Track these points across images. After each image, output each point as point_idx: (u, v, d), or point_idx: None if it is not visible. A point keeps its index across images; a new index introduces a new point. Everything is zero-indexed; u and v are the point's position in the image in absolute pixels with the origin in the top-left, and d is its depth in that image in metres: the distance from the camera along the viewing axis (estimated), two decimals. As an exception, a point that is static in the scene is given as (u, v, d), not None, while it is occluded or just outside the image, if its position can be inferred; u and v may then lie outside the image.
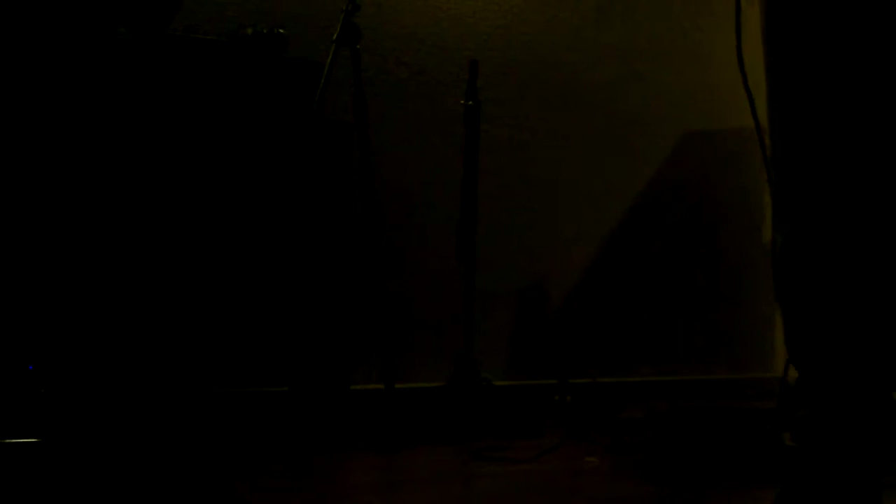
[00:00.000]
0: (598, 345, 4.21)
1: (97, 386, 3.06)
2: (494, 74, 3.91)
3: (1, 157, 3.02)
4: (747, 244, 4.51)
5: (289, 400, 3.28)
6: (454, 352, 3.60)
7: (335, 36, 3.23)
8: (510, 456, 3.10)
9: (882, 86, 2.10)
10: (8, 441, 2.84)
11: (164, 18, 3.23)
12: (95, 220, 3.07)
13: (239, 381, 3.22)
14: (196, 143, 3.20)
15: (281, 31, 3.35)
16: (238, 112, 3.26)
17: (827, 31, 2.17)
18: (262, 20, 3.41)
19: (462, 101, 3.54)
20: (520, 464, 3.01)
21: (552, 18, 4.20)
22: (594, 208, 4.25)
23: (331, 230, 3.37)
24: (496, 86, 3.89)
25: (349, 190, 3.41)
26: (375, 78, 3.66)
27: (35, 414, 2.98)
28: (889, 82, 2.09)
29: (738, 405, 3.53)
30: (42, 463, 2.80)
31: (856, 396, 2.01)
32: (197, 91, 3.22)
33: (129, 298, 3.10)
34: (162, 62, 3.18)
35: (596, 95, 4.28)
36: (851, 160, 2.16)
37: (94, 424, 3.02)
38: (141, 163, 3.14)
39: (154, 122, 3.15)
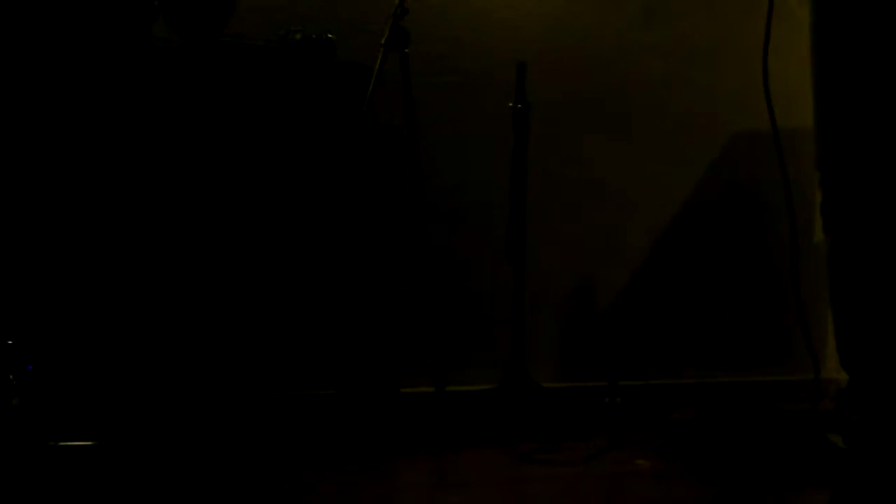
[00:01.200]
0: (649, 347, 4.18)
1: (150, 389, 3.09)
2: (542, 77, 3.89)
3: (52, 159, 3.06)
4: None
5: (338, 403, 3.30)
6: (504, 354, 3.60)
7: (384, 40, 3.24)
8: (560, 458, 3.10)
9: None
10: (64, 444, 2.88)
11: (216, 25, 3.26)
12: (148, 224, 3.10)
13: (288, 384, 3.24)
14: (247, 148, 3.22)
15: (329, 35, 3.36)
16: (288, 117, 3.28)
17: (875, 35, 2.16)
18: (310, 25, 3.43)
19: (510, 104, 3.55)
20: (570, 466, 3.01)
21: (598, 21, 4.19)
22: (642, 210, 4.23)
23: (381, 233, 3.38)
24: (544, 88, 3.88)
25: (399, 193, 3.42)
26: (423, 81, 3.66)
27: (91, 417, 3.02)
28: None
29: (788, 407, 3.50)
30: (97, 465, 2.83)
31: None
32: (247, 96, 3.24)
33: (180, 303, 3.13)
34: (212, 68, 3.21)
35: (643, 97, 4.26)
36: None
37: (147, 428, 3.05)
38: (193, 167, 3.16)
39: (205, 128, 3.18)
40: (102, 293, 3.07)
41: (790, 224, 2.83)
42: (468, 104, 3.94)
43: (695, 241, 4.30)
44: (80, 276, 3.05)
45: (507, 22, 4.02)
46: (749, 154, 4.36)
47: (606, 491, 2.84)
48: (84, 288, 3.05)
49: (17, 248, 3.02)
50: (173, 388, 3.10)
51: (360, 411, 3.30)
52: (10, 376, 2.91)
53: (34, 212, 3.04)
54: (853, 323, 2.21)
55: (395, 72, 3.28)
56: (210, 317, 3.15)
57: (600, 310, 4.17)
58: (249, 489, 2.64)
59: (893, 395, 2.01)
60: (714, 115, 4.33)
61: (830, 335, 3.60)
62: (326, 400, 3.27)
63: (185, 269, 3.13)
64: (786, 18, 3.05)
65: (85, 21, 3.08)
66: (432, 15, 3.88)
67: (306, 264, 3.26)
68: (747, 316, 4.36)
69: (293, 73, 3.30)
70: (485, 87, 3.94)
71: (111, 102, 3.09)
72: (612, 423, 3.57)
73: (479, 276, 3.92)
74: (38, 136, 3.03)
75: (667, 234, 4.26)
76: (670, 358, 4.23)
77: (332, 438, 3.19)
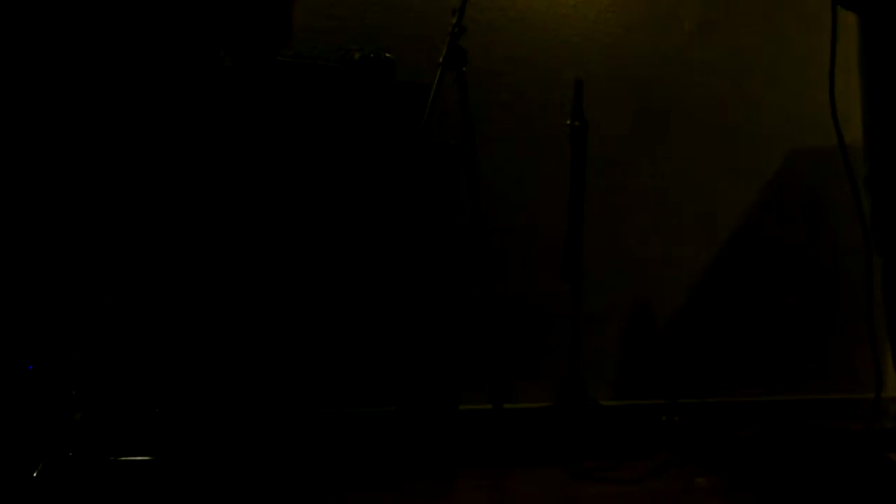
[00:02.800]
0: (706, 364, 4.17)
1: (209, 405, 3.12)
2: (599, 94, 3.90)
3: (115, 183, 3.10)
4: (854, 265, 4.43)
5: (397, 420, 3.31)
6: (561, 371, 3.60)
7: (441, 59, 3.26)
8: (618, 476, 3.09)
9: None
10: (123, 459, 2.91)
11: (274, 46, 3.29)
12: (213, 243, 3.14)
13: (348, 400, 3.25)
14: (308, 167, 3.25)
15: (388, 55, 3.39)
16: (348, 135, 3.30)
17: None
18: (369, 44, 3.46)
19: (567, 122, 3.55)
20: (628, 484, 3.00)
21: (656, 37, 4.19)
22: (701, 227, 4.21)
23: (438, 251, 3.39)
24: (601, 106, 3.89)
25: (456, 211, 3.43)
26: (481, 99, 3.68)
27: (149, 432, 3.05)
28: None
29: (847, 426, 3.47)
30: (155, 480, 2.86)
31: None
32: (307, 116, 3.27)
33: (242, 319, 3.16)
34: (274, 88, 3.24)
35: (700, 114, 4.25)
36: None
37: (205, 443, 3.07)
38: (255, 186, 3.19)
39: (266, 148, 3.21)
40: (161, 310, 3.10)
41: (864, 243, 2.79)
42: (525, 122, 3.96)
43: (753, 258, 4.28)
44: (141, 292, 3.09)
45: (565, 40, 4.03)
46: (808, 171, 4.34)
47: (665, 508, 2.83)
48: (144, 305, 3.09)
49: (84, 265, 3.06)
50: (232, 405, 3.13)
51: (418, 428, 3.31)
52: (73, 391, 2.95)
53: (103, 230, 3.08)
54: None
55: (452, 90, 3.30)
56: (270, 334, 3.17)
57: (658, 327, 4.16)
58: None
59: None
60: (773, 131, 4.31)
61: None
62: (385, 417, 3.28)
63: (246, 285, 3.16)
64: (843, 35, 3.03)
65: (164, 48, 3.13)
66: (489, 34, 3.90)
67: (366, 281, 3.28)
68: (805, 333, 4.32)
69: (352, 92, 3.33)
70: (542, 105, 3.95)
71: (183, 122, 3.13)
72: (670, 441, 3.56)
73: (536, 293, 3.92)
74: (113, 154, 3.08)
75: (725, 250, 4.24)
76: (728, 376, 4.20)
77: (390, 456, 3.20)
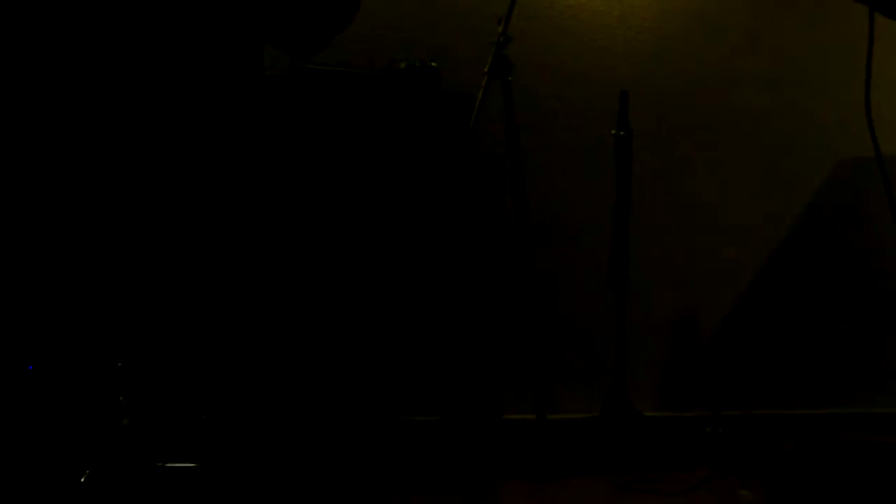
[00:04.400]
0: (752, 377, 4.14)
1: (254, 412, 3.13)
2: (644, 104, 3.89)
3: (160, 190, 3.13)
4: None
5: (441, 429, 3.31)
6: (605, 381, 3.58)
7: (487, 68, 3.26)
8: (662, 488, 3.07)
9: None
10: (169, 465, 2.92)
11: (312, 51, 3.30)
12: (260, 251, 3.15)
13: (392, 409, 3.26)
14: (355, 176, 3.25)
15: (433, 64, 3.39)
16: (393, 145, 3.31)
17: None
18: (414, 53, 3.47)
19: (613, 132, 3.54)
20: (672, 496, 2.98)
21: (701, 48, 4.18)
22: (745, 237, 4.19)
23: (483, 260, 3.39)
24: (646, 115, 3.88)
25: (501, 220, 3.43)
26: (526, 109, 3.67)
27: (195, 439, 3.06)
28: None
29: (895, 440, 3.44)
30: (200, 487, 2.88)
31: None
32: (353, 124, 3.28)
33: (288, 328, 3.17)
34: (319, 95, 3.25)
35: (746, 124, 4.23)
36: None
37: (250, 450, 3.08)
38: (302, 195, 3.21)
39: (311, 155, 3.22)
40: (208, 318, 3.12)
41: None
42: (570, 131, 3.95)
43: (800, 269, 4.25)
44: (189, 300, 3.11)
45: (610, 50, 4.03)
46: (856, 181, 4.30)
47: (711, 521, 2.81)
48: (192, 313, 3.11)
49: (134, 272, 3.08)
50: (277, 412, 3.14)
51: (462, 437, 3.31)
52: (120, 398, 2.97)
53: (151, 237, 3.10)
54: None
55: (498, 100, 3.30)
56: (317, 342, 3.18)
57: (702, 337, 4.14)
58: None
59: None
60: (820, 142, 4.29)
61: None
62: (429, 426, 3.28)
63: (294, 294, 3.17)
64: (891, 46, 3.01)
65: (211, 54, 3.15)
66: (535, 44, 3.90)
67: (411, 290, 3.28)
68: (852, 345, 4.29)
69: (397, 101, 3.33)
70: (586, 114, 3.95)
71: (231, 129, 3.15)
72: (714, 454, 3.54)
73: (580, 302, 3.91)
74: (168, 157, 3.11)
75: (772, 261, 4.21)
76: (773, 388, 4.17)
77: (433, 464, 3.20)
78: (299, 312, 3.17)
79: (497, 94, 3.29)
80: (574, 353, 3.91)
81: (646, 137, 3.76)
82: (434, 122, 3.35)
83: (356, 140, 3.27)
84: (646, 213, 3.94)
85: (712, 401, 3.98)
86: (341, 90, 3.28)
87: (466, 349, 3.35)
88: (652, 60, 4.10)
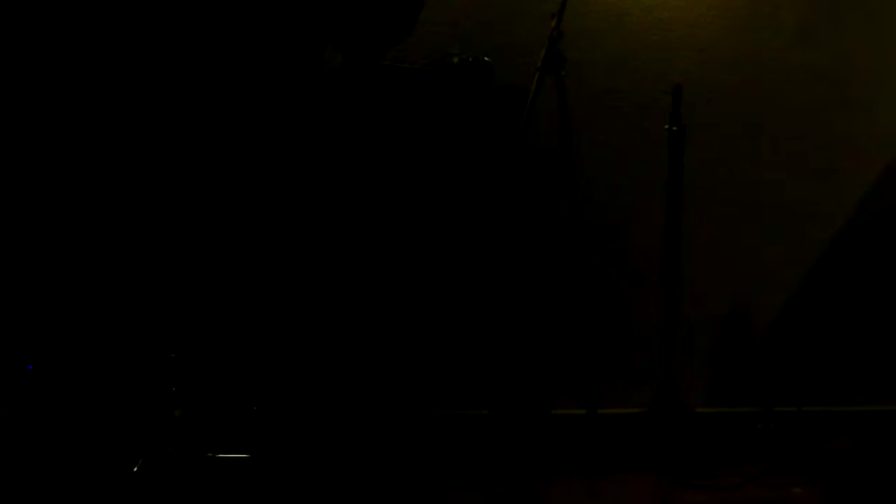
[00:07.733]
0: (804, 373, 4.11)
1: (306, 404, 3.15)
2: (697, 99, 3.87)
3: (218, 183, 3.16)
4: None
5: (490, 423, 3.32)
6: (655, 376, 3.58)
7: (539, 63, 3.26)
8: (713, 483, 3.07)
9: None
10: (221, 455, 2.96)
11: (383, 47, 3.32)
12: (315, 244, 3.17)
13: (443, 402, 3.27)
14: (407, 170, 3.27)
15: (486, 59, 3.39)
16: (447, 138, 3.31)
17: None
18: (467, 48, 3.47)
19: (665, 127, 3.53)
20: (724, 491, 2.98)
21: (754, 41, 4.14)
22: (798, 234, 4.16)
23: (535, 255, 3.39)
24: (699, 110, 3.86)
25: (553, 215, 3.43)
26: (579, 104, 3.66)
27: (247, 430, 3.09)
28: None
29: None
30: (252, 478, 2.90)
31: None
32: (408, 118, 3.29)
33: (341, 322, 3.19)
34: (375, 91, 3.27)
35: (800, 119, 4.19)
36: None
37: (301, 442, 3.11)
38: (356, 188, 3.22)
39: (366, 149, 3.24)
40: (262, 311, 3.15)
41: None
42: (622, 126, 3.94)
43: (852, 266, 4.21)
44: (243, 293, 3.14)
45: (662, 45, 4.01)
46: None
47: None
48: (245, 305, 3.14)
49: (187, 265, 3.12)
50: (328, 404, 3.16)
51: (511, 432, 3.32)
52: (173, 388, 3.00)
53: (207, 229, 3.14)
54: None
55: (550, 94, 3.30)
56: (371, 335, 3.20)
57: (753, 333, 4.12)
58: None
59: None
60: (874, 137, 4.24)
61: None
62: (479, 419, 3.29)
63: (347, 288, 3.19)
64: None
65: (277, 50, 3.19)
66: (588, 39, 3.88)
67: (463, 284, 3.29)
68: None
69: (451, 95, 3.34)
70: (639, 109, 3.93)
71: (293, 123, 3.18)
72: (766, 450, 3.52)
73: (631, 297, 3.90)
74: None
75: (824, 257, 4.18)
76: (825, 384, 4.14)
77: (483, 459, 3.21)
78: (353, 305, 3.19)
79: (550, 90, 3.29)
80: (624, 348, 3.90)
81: (698, 132, 3.74)
82: (487, 116, 3.35)
83: (411, 134, 3.28)
84: (697, 208, 3.91)
85: (764, 397, 3.96)
86: (396, 85, 3.29)
87: (517, 344, 3.36)
88: (705, 55, 4.07)
